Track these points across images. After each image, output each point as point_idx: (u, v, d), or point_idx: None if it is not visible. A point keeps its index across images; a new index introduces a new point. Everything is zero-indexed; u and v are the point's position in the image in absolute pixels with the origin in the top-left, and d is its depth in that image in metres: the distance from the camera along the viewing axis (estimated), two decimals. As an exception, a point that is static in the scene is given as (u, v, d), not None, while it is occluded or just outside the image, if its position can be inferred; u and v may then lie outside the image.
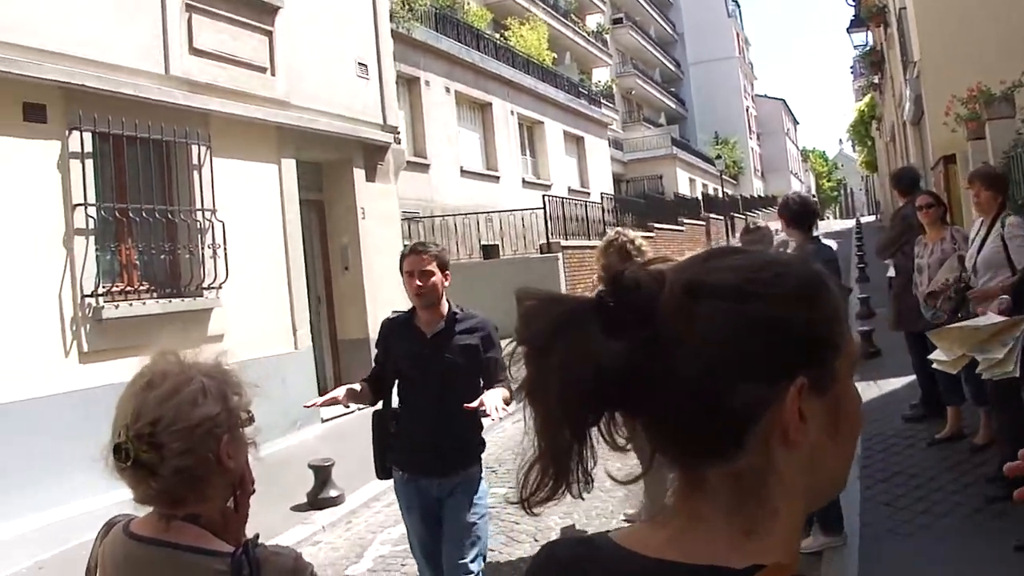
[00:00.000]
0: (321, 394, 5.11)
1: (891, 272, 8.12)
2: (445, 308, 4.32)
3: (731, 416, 0.85)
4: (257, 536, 1.82)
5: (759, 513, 0.88)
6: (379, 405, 4.49)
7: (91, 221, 8.07)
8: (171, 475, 1.69)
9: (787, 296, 0.88)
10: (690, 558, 0.87)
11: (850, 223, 42.01)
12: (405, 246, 4.61)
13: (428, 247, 4.33)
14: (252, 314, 9.84)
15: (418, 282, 4.19)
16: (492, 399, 3.93)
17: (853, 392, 0.94)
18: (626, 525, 0.96)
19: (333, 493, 7.64)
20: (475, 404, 3.95)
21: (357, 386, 4.37)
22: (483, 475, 4.44)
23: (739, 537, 0.88)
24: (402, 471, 4.36)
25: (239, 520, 1.86)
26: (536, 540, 6.16)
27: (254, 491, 1.89)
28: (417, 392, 4.28)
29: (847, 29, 22.23)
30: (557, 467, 0.89)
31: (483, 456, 4.45)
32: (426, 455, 4.22)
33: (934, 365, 5.98)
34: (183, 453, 1.69)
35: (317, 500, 7.60)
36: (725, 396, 0.85)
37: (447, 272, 4.32)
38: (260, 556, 1.72)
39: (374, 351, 4.67)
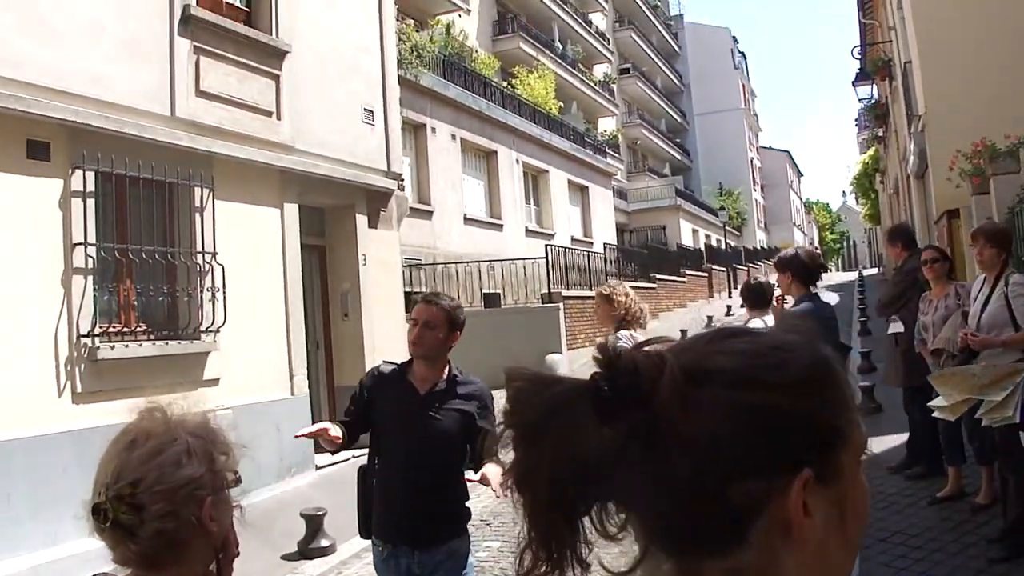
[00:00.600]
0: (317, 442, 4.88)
1: (894, 328, 8.01)
2: (446, 368, 4.12)
3: (730, 510, 0.80)
4: (239, 601, 1.76)
5: None
6: (364, 460, 4.25)
7: (90, 260, 8.04)
8: (151, 538, 1.63)
9: (793, 383, 0.83)
10: None
11: (852, 275, 42.07)
12: (415, 293, 4.40)
13: (441, 300, 4.10)
14: (249, 359, 9.77)
15: (418, 332, 4.02)
16: (494, 472, 3.64)
17: (860, 483, 0.89)
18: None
19: (324, 543, 7.52)
20: (477, 477, 3.77)
21: (339, 431, 4.04)
22: (470, 549, 4.18)
23: None
24: (380, 543, 4.08)
25: (221, 584, 1.80)
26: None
27: (238, 554, 1.83)
28: (399, 452, 4.03)
29: (852, 82, 22.33)
30: (548, 555, 0.84)
31: (476, 511, 4.29)
32: (403, 522, 3.97)
33: (935, 413, 5.97)
34: (164, 515, 1.63)
35: (308, 549, 7.48)
36: (724, 489, 0.80)
37: (457, 331, 4.09)
38: (240, 623, 1.67)
39: None
